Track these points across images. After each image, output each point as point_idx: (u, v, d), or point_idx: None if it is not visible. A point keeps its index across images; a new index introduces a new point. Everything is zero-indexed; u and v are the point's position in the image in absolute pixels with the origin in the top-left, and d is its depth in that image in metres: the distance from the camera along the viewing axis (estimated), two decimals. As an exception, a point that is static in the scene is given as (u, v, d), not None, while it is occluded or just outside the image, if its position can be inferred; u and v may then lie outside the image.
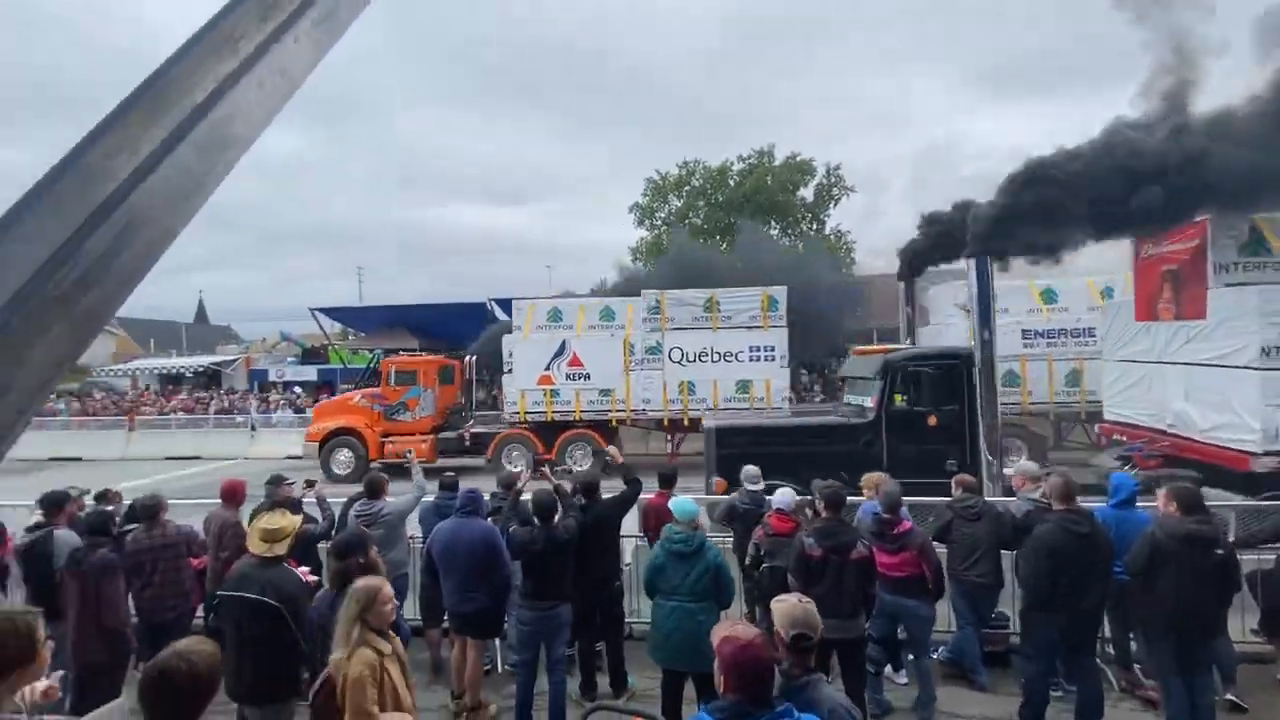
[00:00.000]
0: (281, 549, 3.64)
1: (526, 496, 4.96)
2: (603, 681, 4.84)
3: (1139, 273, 9.10)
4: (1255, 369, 6.92)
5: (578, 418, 13.51)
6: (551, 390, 13.48)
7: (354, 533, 3.64)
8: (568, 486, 4.94)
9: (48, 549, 4.47)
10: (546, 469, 5.77)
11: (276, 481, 5.37)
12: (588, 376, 13.43)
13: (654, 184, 29.75)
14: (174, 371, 28.70)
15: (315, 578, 4.26)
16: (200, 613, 5.09)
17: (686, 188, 29.34)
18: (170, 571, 4.56)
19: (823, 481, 4.38)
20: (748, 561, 4.63)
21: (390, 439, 14.04)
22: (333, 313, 24.85)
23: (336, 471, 13.78)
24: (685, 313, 13.13)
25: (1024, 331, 12.77)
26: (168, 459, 17.43)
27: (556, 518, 4.29)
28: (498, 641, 5.23)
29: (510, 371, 13.82)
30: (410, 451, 7.54)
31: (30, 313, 0.81)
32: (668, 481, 5.38)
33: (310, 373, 27.49)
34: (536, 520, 4.25)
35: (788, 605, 2.55)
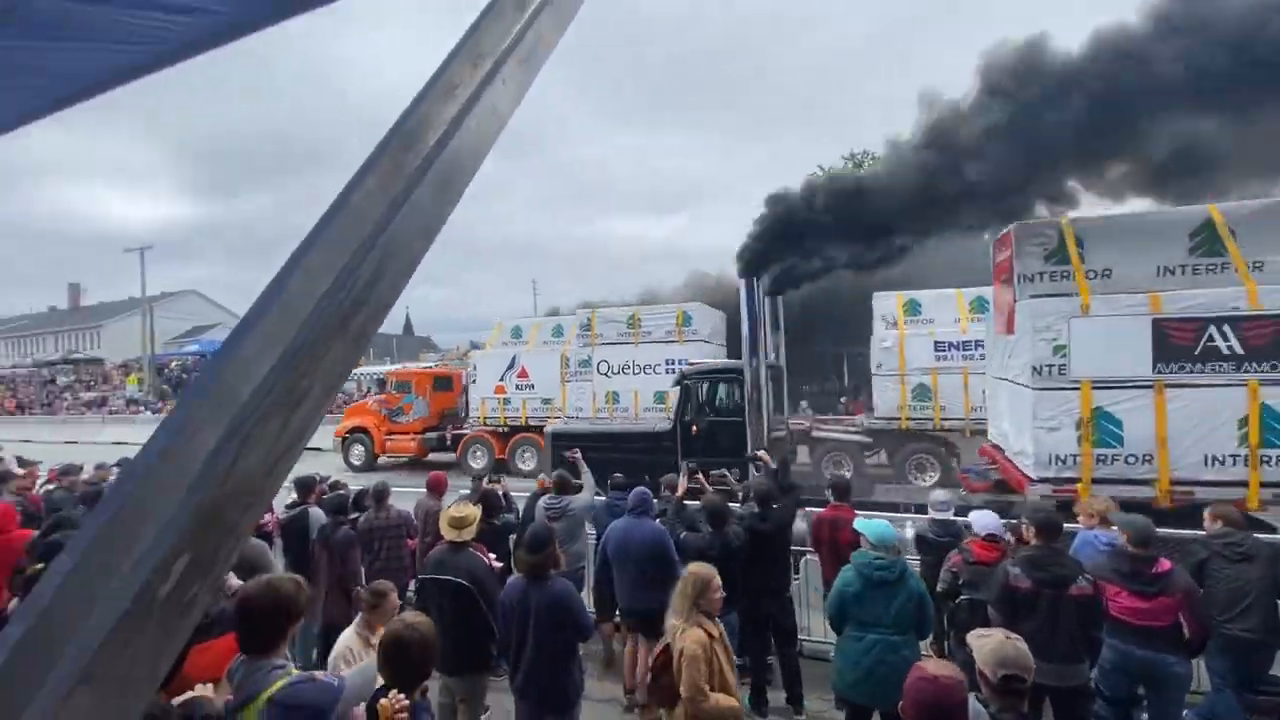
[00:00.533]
0: (469, 534, 4.03)
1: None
2: (774, 696, 4.71)
3: (995, 282, 8.12)
4: (1029, 388, 6.23)
5: (524, 423, 15.17)
6: (504, 399, 15.55)
7: (545, 526, 3.93)
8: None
9: (304, 524, 5.40)
10: (701, 476, 5.74)
11: (480, 478, 6.03)
12: (532, 387, 15.31)
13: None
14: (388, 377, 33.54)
15: (500, 564, 4.67)
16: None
17: (852, 181, 27.77)
18: (394, 549, 5.26)
19: (1034, 504, 3.85)
20: (940, 589, 4.18)
21: (390, 437, 16.60)
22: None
23: (353, 462, 16.64)
24: (612, 329, 14.37)
25: (936, 344, 12.08)
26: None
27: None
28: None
29: (474, 382, 15.95)
30: (577, 452, 8.05)
31: (319, 334, 0.97)
32: (843, 493, 5.06)
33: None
34: (709, 526, 4.25)
35: (993, 642, 2.27)
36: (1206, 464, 5.72)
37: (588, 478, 5.98)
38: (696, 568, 3.14)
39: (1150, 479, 5.80)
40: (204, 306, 52.00)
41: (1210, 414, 5.70)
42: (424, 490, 6.10)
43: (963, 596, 3.97)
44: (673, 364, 13.83)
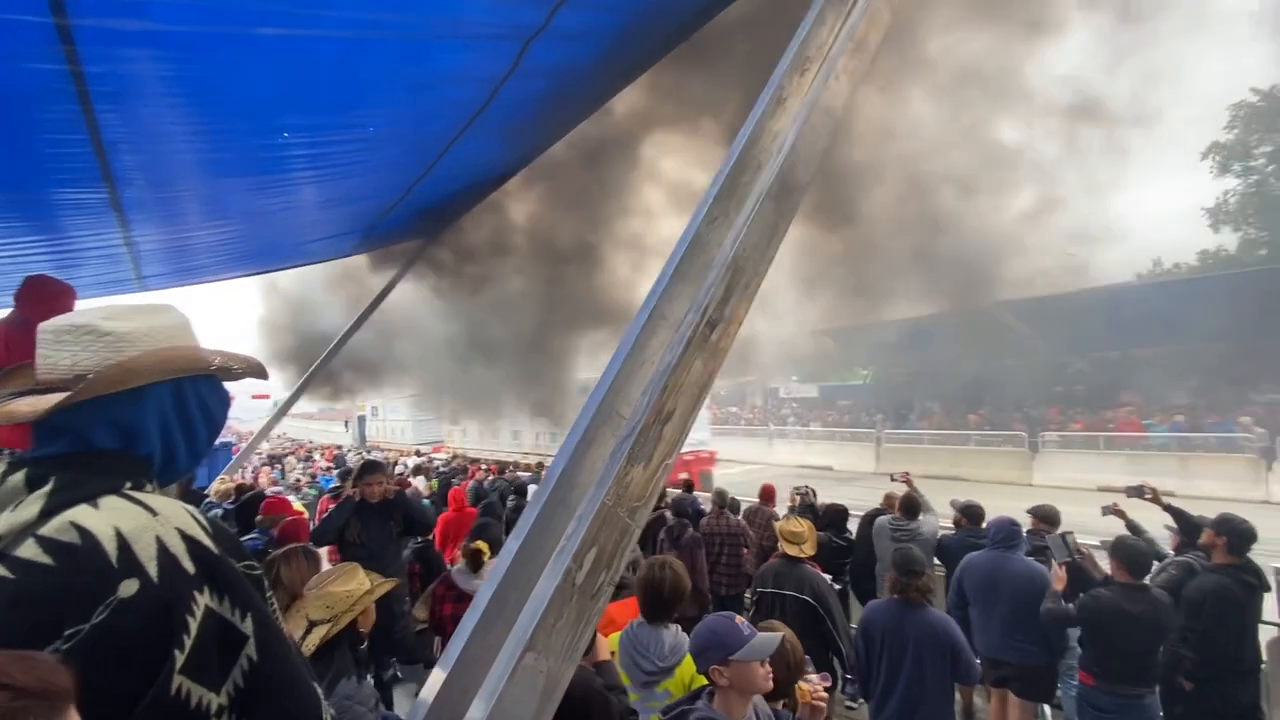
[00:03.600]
0: (808, 549, 3.95)
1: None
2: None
3: None
4: None
5: None
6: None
7: (909, 549, 3.67)
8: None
9: (657, 526, 6.06)
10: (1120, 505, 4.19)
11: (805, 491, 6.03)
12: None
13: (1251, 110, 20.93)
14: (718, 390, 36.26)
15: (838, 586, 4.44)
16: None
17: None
18: (732, 555, 5.44)
19: None
20: None
21: None
22: (832, 333, 26.81)
23: None
24: None
25: None
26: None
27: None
28: (1048, 710, 4.36)
29: None
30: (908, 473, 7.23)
31: (681, 355, 1.05)
32: None
33: (812, 390, 30.56)
34: (1129, 575, 3.22)
35: None
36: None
37: (927, 501, 5.35)
38: None
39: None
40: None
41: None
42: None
43: None
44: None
